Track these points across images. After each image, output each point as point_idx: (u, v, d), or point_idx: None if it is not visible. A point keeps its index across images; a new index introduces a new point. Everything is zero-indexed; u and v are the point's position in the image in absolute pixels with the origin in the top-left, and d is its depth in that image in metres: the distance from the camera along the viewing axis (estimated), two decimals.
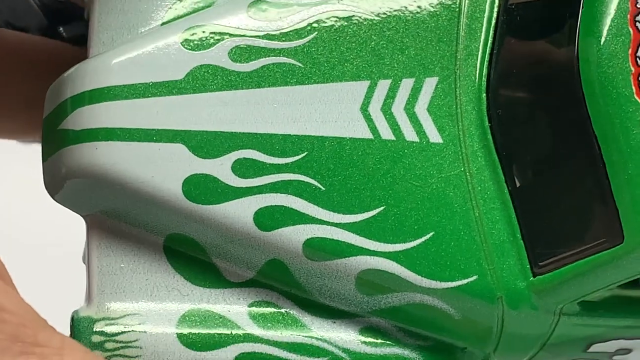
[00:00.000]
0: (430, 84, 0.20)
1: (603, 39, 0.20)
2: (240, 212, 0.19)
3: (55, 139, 0.20)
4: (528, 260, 0.20)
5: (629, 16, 0.20)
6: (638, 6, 0.20)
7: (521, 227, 0.21)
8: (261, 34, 0.19)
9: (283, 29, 0.19)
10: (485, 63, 0.20)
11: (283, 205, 0.19)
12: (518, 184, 0.21)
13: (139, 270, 0.20)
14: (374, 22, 0.20)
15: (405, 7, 0.20)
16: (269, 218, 0.19)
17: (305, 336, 0.20)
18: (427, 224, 0.20)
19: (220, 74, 0.19)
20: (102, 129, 0.19)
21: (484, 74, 0.20)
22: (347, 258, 0.20)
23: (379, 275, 0.20)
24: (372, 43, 0.19)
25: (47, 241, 0.26)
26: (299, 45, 0.19)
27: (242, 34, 0.19)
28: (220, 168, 0.19)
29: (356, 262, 0.20)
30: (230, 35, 0.19)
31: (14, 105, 0.27)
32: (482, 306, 0.20)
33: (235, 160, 0.19)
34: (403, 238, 0.20)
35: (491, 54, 0.21)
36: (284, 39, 0.19)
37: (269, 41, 0.19)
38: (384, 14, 0.20)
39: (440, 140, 0.20)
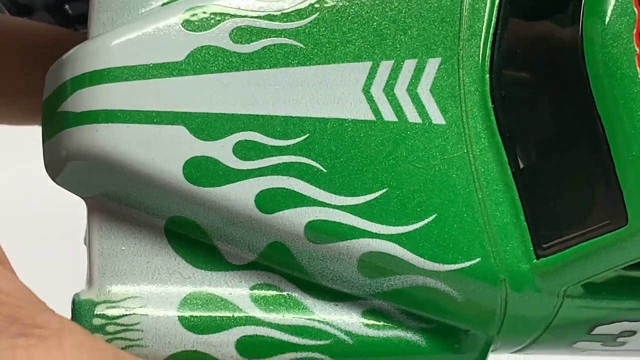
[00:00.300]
0: (433, 65, 0.20)
1: (607, 19, 0.20)
2: (241, 194, 0.19)
3: (55, 121, 0.20)
4: (531, 242, 0.20)
5: None
6: None
7: (524, 209, 0.21)
8: (262, 14, 0.19)
9: (284, 9, 0.19)
10: (489, 44, 0.20)
11: (284, 188, 0.19)
12: (521, 166, 0.21)
13: (140, 253, 0.20)
14: (376, 2, 0.20)
15: None
16: (270, 200, 0.19)
17: (307, 319, 0.20)
18: (429, 206, 0.20)
19: (221, 55, 0.19)
20: (102, 111, 0.19)
21: (487, 54, 0.20)
22: (349, 241, 0.20)
23: (382, 258, 0.20)
24: (375, 23, 0.19)
25: (47, 224, 0.26)
26: (301, 26, 0.19)
27: (243, 14, 0.19)
28: (222, 150, 0.19)
29: (358, 245, 0.20)
30: (231, 16, 0.19)
31: (13, 90, 0.27)
32: (485, 289, 0.20)
33: (237, 143, 0.19)
34: (405, 220, 0.20)
35: (495, 35, 0.21)
36: (285, 19, 0.19)
37: (270, 22, 0.19)
38: None
39: (443, 122, 0.20)
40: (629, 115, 0.19)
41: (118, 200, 0.20)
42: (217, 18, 0.19)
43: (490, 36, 0.21)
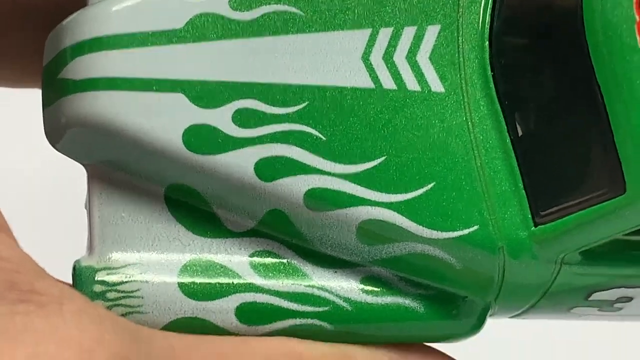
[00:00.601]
0: (432, 32, 0.20)
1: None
2: (240, 162, 0.19)
3: (55, 88, 0.20)
4: (530, 210, 0.20)
5: None
6: None
7: (523, 176, 0.21)
8: None
9: None
10: (489, 10, 0.20)
11: (284, 156, 0.19)
12: (520, 134, 0.21)
13: (140, 220, 0.20)
14: None
15: None
16: (270, 168, 0.19)
17: (307, 285, 0.20)
18: (428, 174, 0.20)
19: (220, 23, 0.19)
20: (102, 79, 0.19)
21: (487, 21, 0.20)
22: (348, 208, 0.20)
23: (380, 226, 0.20)
24: None
25: (47, 190, 0.26)
26: None
27: None
28: (221, 118, 0.19)
29: (357, 212, 0.20)
30: None
31: (15, 52, 0.26)
32: (484, 256, 0.20)
33: (236, 110, 0.19)
34: (404, 188, 0.20)
35: (494, 1, 0.21)
36: None
37: None
38: None
39: (442, 90, 0.20)
40: (629, 84, 0.19)
41: (118, 167, 0.20)
42: None
43: (490, 3, 0.21)
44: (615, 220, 0.20)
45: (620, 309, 0.23)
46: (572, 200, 0.20)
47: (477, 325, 0.21)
